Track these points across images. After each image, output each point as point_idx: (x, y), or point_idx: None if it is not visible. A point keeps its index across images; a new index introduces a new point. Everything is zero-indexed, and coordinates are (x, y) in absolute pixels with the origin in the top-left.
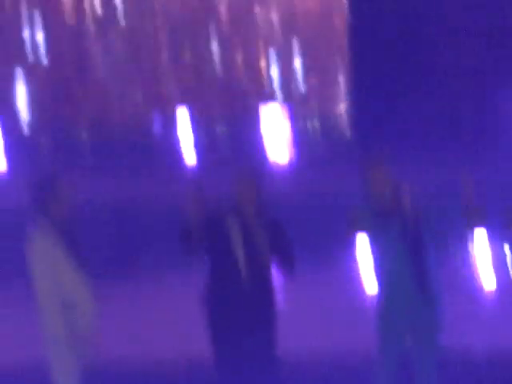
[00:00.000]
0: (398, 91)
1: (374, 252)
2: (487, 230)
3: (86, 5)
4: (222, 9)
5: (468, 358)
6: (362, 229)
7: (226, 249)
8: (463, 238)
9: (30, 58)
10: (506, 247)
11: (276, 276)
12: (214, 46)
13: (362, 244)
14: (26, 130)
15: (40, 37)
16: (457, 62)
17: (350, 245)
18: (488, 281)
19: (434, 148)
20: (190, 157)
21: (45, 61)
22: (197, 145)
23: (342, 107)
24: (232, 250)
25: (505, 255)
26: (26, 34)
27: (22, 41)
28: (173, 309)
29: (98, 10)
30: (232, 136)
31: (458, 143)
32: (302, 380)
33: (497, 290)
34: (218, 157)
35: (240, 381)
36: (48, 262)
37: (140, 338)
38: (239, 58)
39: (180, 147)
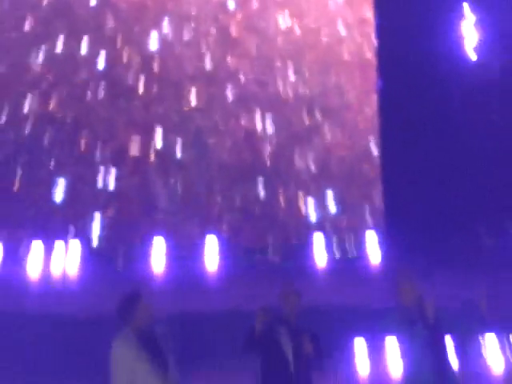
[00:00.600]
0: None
1: (403, 353)
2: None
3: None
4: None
5: None
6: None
7: (279, 350)
8: (477, 342)
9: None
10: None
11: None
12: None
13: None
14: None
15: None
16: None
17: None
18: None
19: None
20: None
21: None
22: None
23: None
24: (283, 352)
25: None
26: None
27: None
28: None
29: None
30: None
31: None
32: None
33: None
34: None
35: None
36: (126, 366)
37: None
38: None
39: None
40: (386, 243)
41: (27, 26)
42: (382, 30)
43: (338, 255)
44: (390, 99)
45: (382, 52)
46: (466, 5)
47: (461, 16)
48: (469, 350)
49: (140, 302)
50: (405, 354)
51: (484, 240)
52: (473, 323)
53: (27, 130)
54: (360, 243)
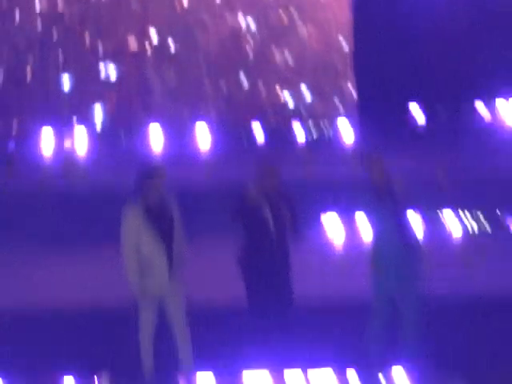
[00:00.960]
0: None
1: (372, 220)
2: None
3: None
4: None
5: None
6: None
7: (261, 220)
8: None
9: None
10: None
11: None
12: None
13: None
14: None
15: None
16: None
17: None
18: (455, 230)
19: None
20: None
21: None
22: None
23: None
24: (266, 219)
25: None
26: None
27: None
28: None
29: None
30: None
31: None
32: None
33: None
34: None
35: (266, 319)
36: (133, 230)
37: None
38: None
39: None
40: (357, 128)
41: None
42: None
43: (313, 137)
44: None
45: None
46: None
47: None
48: (430, 222)
49: (150, 178)
50: (373, 227)
51: (446, 117)
52: (434, 198)
53: (38, 29)
54: (333, 128)
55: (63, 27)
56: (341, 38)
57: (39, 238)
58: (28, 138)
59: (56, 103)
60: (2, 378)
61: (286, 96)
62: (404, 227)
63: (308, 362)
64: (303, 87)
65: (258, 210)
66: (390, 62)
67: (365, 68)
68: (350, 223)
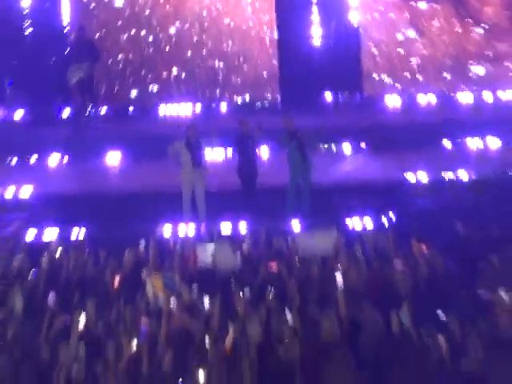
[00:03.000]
0: None
1: (288, 148)
2: None
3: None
4: None
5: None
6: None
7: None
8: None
9: None
10: None
11: None
12: None
13: None
14: None
15: None
16: None
17: None
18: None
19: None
20: None
21: None
22: None
23: None
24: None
25: None
26: None
27: None
28: None
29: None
30: None
31: None
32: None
33: None
34: None
35: None
36: (178, 147)
37: None
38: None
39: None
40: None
41: None
42: None
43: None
44: None
45: None
46: None
47: None
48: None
49: (189, 129)
50: (288, 158)
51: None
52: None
53: None
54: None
55: None
56: None
57: None
58: None
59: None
60: None
61: None
62: (304, 153)
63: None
64: None
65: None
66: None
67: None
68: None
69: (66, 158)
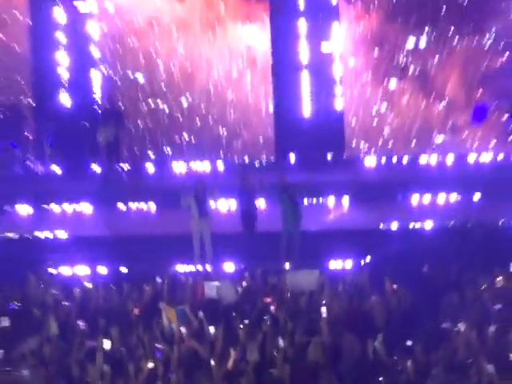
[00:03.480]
0: None
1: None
2: None
3: None
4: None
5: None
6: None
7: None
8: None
9: None
10: None
11: None
12: None
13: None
14: None
15: None
16: None
17: None
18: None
19: None
20: None
21: None
22: None
23: None
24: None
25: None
26: None
27: None
28: None
29: None
30: None
31: None
32: None
33: None
34: None
35: None
36: (188, 201)
37: None
38: None
39: None
40: None
41: None
42: None
43: None
44: None
45: None
46: None
47: None
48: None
49: (198, 184)
50: (282, 208)
51: None
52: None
53: None
54: None
55: None
56: None
57: None
58: None
59: None
60: None
61: None
62: (293, 202)
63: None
64: None
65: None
66: None
67: None
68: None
69: (95, 206)
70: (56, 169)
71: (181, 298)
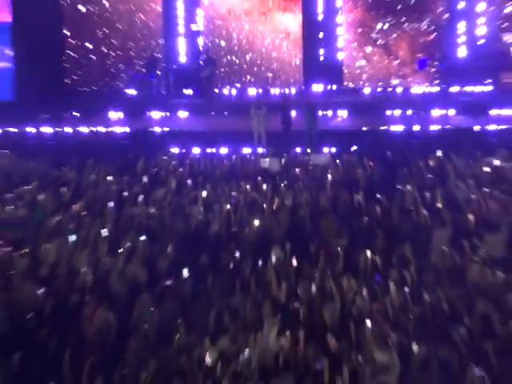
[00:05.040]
0: None
1: None
2: None
3: None
4: None
5: None
6: None
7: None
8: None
9: None
10: None
11: None
12: None
13: None
14: None
15: None
16: None
17: None
18: None
19: None
20: None
21: None
22: None
23: None
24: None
25: None
26: None
27: None
28: None
29: None
30: None
31: None
32: None
33: None
34: None
35: None
36: None
37: None
38: None
39: None
40: None
41: None
42: None
43: None
44: None
45: None
46: None
47: None
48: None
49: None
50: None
51: None
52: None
53: None
54: None
55: None
56: None
57: None
58: None
59: None
60: None
61: None
62: (313, 115)
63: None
64: None
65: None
66: None
67: None
68: None
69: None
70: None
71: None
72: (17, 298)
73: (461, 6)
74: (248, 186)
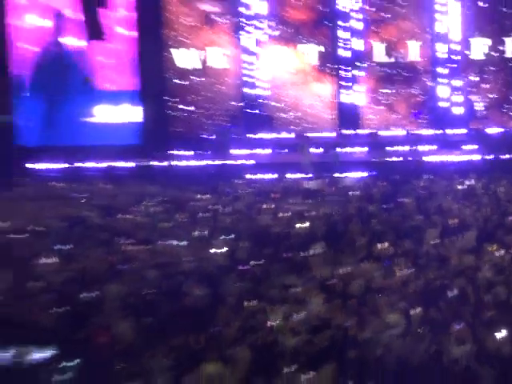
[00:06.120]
0: None
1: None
2: None
3: None
4: None
5: None
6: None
7: None
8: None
9: None
10: None
11: None
12: None
13: None
14: None
15: None
16: None
17: None
18: None
19: None
20: None
21: None
22: None
23: None
24: None
25: None
26: None
27: None
28: None
29: None
30: None
31: None
32: None
33: None
34: None
35: None
36: None
37: None
38: None
39: None
40: None
41: None
42: None
43: None
44: None
45: None
46: None
47: None
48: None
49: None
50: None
51: None
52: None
53: None
54: None
55: None
56: None
57: None
58: None
59: None
60: None
61: None
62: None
63: None
64: None
65: None
66: None
67: None
68: None
69: None
70: None
71: None
72: None
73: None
74: (296, 201)
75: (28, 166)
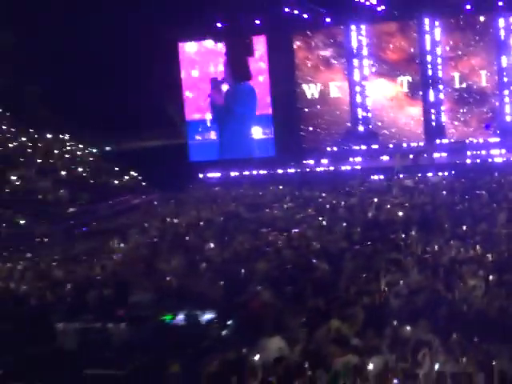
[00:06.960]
0: None
1: None
2: None
3: None
4: None
5: None
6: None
7: None
8: None
9: None
10: None
11: None
12: None
13: None
14: None
15: None
16: None
17: None
18: None
19: None
20: None
21: None
22: None
23: None
24: None
25: None
26: None
27: None
28: None
29: None
30: None
31: None
32: None
33: None
34: None
35: None
36: None
37: None
38: None
39: None
40: None
41: None
42: None
43: None
44: None
45: None
46: None
47: None
48: None
49: None
50: None
51: None
52: None
53: None
54: None
55: None
56: None
57: None
58: None
59: None
60: None
61: None
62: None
63: None
64: None
65: None
66: None
67: None
68: None
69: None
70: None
71: None
72: None
73: None
74: (396, 195)
75: (199, 175)
